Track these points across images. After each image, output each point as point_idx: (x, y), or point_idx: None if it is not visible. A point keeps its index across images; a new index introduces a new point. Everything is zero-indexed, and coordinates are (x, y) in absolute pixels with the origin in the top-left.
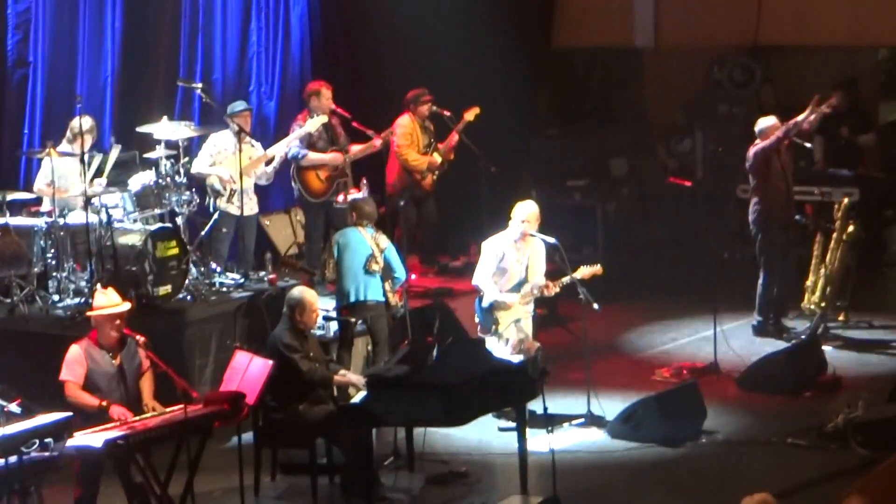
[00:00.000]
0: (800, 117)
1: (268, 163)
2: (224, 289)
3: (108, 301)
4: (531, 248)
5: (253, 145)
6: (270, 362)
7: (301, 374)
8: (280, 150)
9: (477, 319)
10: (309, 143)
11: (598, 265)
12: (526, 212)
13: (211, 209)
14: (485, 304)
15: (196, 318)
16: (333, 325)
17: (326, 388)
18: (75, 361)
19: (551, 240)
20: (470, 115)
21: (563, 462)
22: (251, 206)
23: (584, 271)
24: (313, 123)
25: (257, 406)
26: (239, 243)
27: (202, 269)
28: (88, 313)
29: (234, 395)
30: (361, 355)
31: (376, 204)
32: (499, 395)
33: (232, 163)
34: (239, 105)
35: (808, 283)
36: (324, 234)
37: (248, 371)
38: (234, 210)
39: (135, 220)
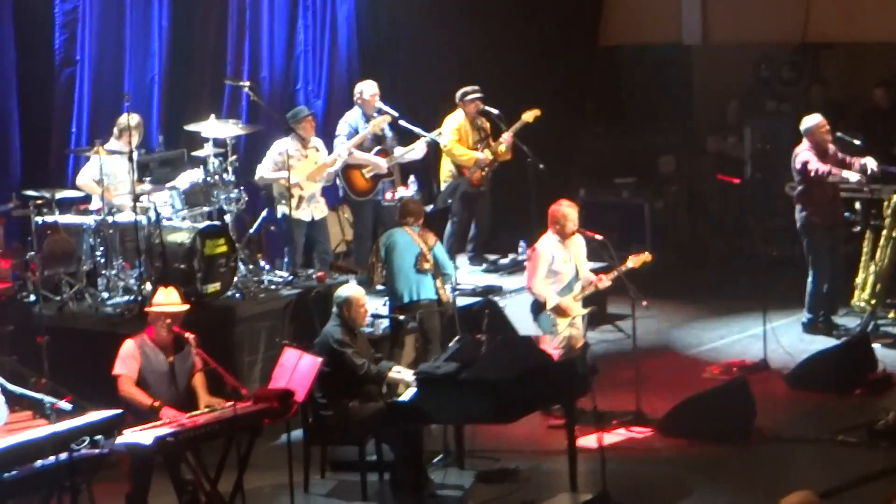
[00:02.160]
0: (848, 175)
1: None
2: (273, 286)
3: (165, 300)
4: (574, 245)
5: (318, 150)
6: (319, 359)
7: (356, 369)
8: (342, 152)
9: (534, 323)
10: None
11: (647, 252)
12: (561, 215)
13: (278, 215)
14: (548, 309)
15: (245, 316)
16: (382, 323)
17: (379, 385)
18: (129, 356)
19: (598, 237)
20: (529, 117)
21: (612, 459)
22: (321, 209)
23: (633, 261)
24: (376, 124)
25: (307, 403)
26: (290, 243)
27: (251, 266)
28: (146, 308)
29: (283, 392)
30: (411, 353)
31: (425, 201)
32: (548, 392)
33: (298, 169)
34: (302, 111)
35: (858, 280)
36: (372, 232)
37: (298, 368)
38: (304, 216)
39: (183, 218)
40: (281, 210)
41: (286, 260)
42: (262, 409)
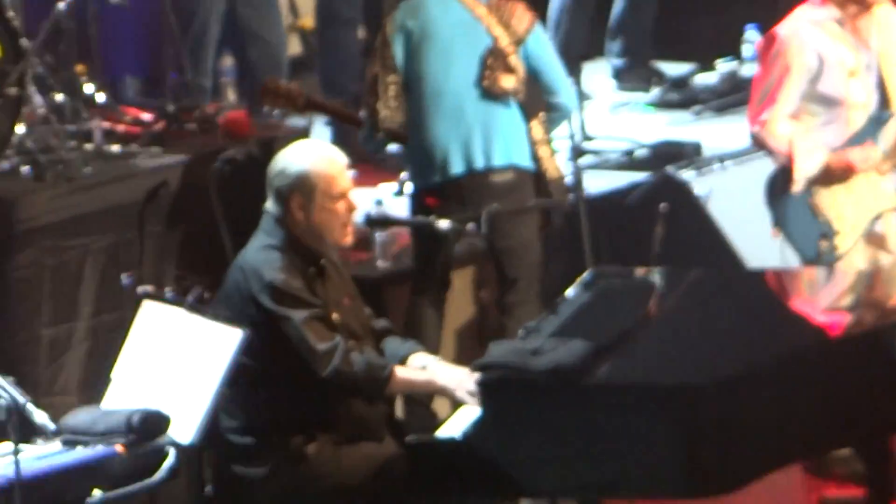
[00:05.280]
0: None
1: None
2: (113, 148)
3: None
4: (880, 27)
5: None
6: (239, 333)
7: (314, 364)
8: None
9: (774, 228)
10: None
11: None
12: None
13: None
14: (796, 185)
15: (41, 224)
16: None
17: (374, 401)
18: None
19: None
20: None
21: None
22: None
23: None
24: None
25: (201, 445)
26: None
27: (57, 95)
28: None
29: (143, 416)
30: (468, 308)
31: None
32: (819, 417)
33: None
34: None
35: None
36: (364, 14)
37: (180, 356)
38: None
39: None
40: None
41: (173, 74)
42: (91, 459)
